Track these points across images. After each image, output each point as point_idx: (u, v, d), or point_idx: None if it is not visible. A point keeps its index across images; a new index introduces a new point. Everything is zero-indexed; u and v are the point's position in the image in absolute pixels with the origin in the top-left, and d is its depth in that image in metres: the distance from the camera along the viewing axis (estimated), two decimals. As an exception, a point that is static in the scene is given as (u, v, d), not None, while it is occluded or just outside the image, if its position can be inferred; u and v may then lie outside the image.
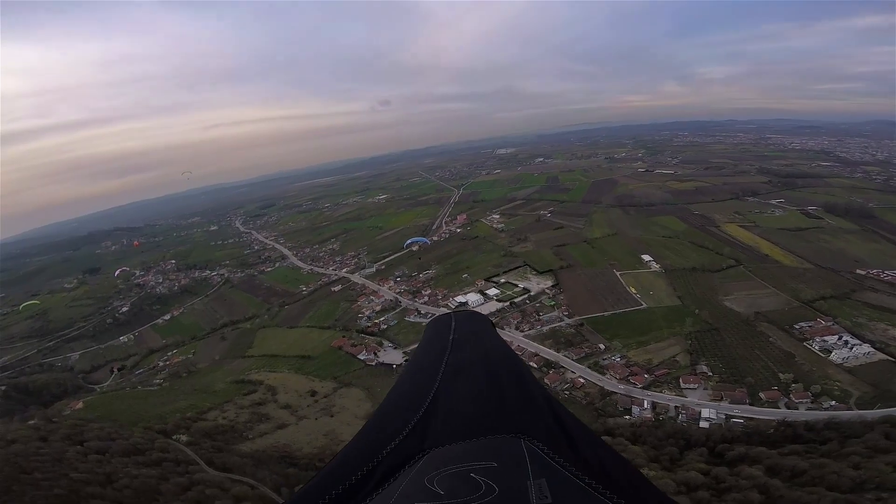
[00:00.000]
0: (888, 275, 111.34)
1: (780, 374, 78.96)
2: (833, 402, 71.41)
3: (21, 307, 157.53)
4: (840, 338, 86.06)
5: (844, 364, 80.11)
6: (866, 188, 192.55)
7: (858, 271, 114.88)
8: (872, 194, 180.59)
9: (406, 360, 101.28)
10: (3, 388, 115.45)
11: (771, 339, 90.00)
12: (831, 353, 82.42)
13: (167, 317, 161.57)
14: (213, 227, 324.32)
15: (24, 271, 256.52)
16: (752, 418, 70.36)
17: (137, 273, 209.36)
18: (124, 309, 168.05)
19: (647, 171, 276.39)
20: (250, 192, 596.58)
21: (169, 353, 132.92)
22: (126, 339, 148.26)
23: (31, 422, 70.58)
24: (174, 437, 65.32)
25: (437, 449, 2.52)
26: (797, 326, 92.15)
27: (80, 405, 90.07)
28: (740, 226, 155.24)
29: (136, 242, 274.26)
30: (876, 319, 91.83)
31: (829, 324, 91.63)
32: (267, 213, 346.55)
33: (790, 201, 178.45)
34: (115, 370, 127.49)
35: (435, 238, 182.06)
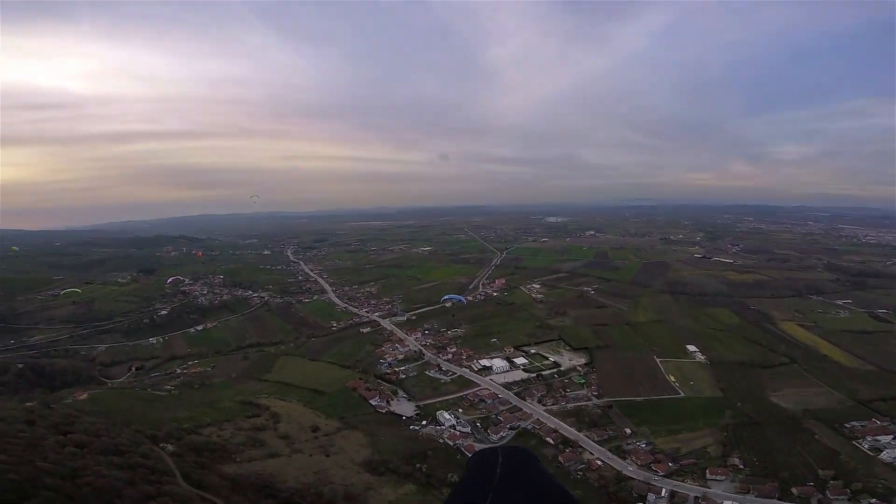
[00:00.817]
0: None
1: (820, 471, 73.21)
2: (874, 500, 66.21)
3: (62, 293, 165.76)
4: (895, 437, 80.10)
5: (895, 463, 73.95)
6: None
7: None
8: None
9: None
10: (20, 365, 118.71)
11: (816, 436, 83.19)
12: (882, 451, 77.26)
13: (200, 327, 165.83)
14: (265, 252, 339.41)
15: (88, 259, 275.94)
16: (776, 514, 65.16)
17: (186, 281, 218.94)
18: (163, 312, 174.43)
19: (704, 257, 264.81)
20: (308, 224, 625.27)
21: (189, 363, 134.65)
22: (155, 341, 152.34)
23: (29, 403, 70.96)
24: (161, 444, 63.60)
25: None
26: (848, 425, 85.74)
27: (84, 396, 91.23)
28: (799, 325, 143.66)
29: (199, 253, 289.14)
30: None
31: (885, 423, 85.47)
32: (318, 246, 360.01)
33: (858, 303, 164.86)
34: (133, 369, 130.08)
35: (470, 298, 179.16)
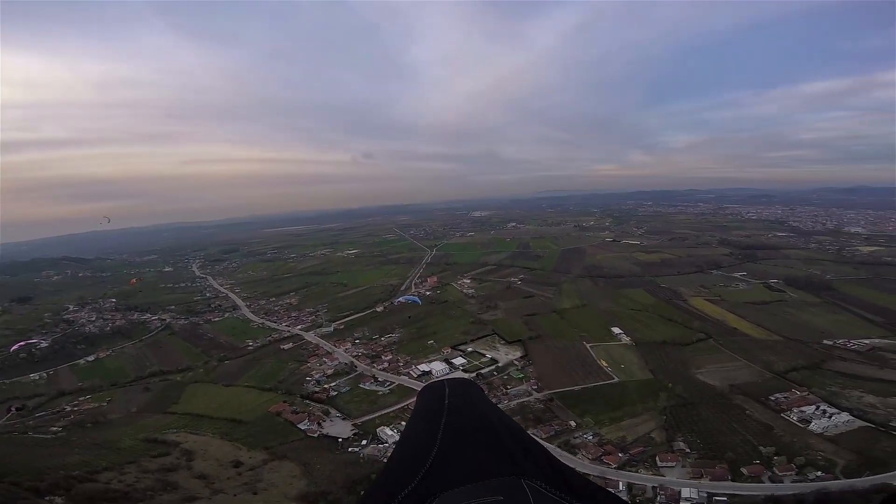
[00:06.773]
0: (854, 344, 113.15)
1: (762, 448, 75.23)
2: (819, 473, 68.20)
3: None
4: (818, 407, 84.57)
5: (825, 433, 78.00)
6: (822, 259, 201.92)
7: (825, 342, 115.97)
8: (828, 265, 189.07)
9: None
10: None
11: (748, 411, 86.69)
12: (811, 422, 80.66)
13: (91, 357, 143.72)
14: (167, 269, 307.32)
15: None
16: (735, 495, 65.45)
17: (70, 308, 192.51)
18: (43, 345, 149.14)
19: (614, 240, 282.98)
20: (217, 233, 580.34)
21: (80, 399, 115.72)
22: (37, 377, 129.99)
23: None
24: (47, 497, 51.87)
25: (446, 492, 2.82)
26: (773, 398, 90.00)
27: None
28: (707, 300, 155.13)
29: (133, 280, 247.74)
30: (850, 387, 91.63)
31: (804, 394, 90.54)
32: (228, 258, 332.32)
33: (752, 274, 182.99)
34: (14, 410, 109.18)
35: (401, 300, 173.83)
